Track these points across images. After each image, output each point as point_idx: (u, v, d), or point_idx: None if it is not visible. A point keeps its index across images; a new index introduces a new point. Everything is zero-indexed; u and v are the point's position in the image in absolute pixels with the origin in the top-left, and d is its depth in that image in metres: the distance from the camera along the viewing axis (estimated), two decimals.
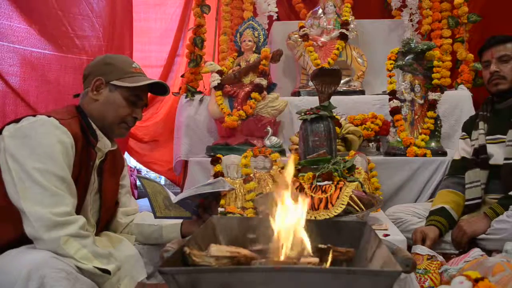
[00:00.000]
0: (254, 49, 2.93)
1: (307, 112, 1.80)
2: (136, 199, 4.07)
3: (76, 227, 1.14)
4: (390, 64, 2.69)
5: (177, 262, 0.80)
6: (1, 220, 1.20)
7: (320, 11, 3.35)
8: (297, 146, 2.21)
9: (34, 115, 1.23)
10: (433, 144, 2.56)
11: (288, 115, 2.99)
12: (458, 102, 2.87)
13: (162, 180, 4.80)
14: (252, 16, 3.12)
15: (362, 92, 3.17)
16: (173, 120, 3.22)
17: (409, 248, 1.70)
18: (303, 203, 0.90)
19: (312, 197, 1.55)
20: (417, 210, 2.02)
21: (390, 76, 2.71)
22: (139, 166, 5.44)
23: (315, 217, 1.48)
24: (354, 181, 1.59)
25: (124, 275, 1.20)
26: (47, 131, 1.19)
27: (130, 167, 5.04)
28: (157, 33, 3.86)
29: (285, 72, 3.51)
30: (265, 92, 2.81)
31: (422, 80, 2.62)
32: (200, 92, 3.13)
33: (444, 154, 2.52)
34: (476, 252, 1.51)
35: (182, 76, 3.27)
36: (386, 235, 1.55)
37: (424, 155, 2.49)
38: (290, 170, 0.97)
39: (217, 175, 2.44)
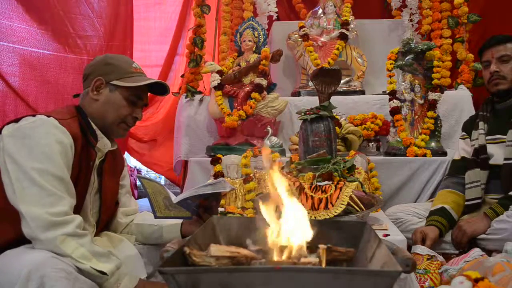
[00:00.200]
0: (254, 49, 2.93)
1: (307, 112, 1.80)
2: (136, 199, 4.07)
3: (73, 227, 1.14)
4: (390, 64, 2.69)
5: (177, 262, 0.80)
6: (0, 220, 1.20)
7: (320, 11, 3.35)
8: (297, 146, 2.21)
9: (34, 115, 1.24)
10: (433, 144, 2.56)
11: (288, 115, 2.99)
12: (458, 102, 2.87)
13: (162, 180, 4.80)
14: (252, 16, 3.12)
15: (362, 92, 3.17)
16: (173, 120, 3.22)
17: (409, 248, 1.70)
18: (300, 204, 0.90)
19: (312, 197, 1.55)
20: (417, 210, 2.02)
21: (390, 76, 2.71)
22: (139, 166, 5.44)
23: (315, 217, 1.48)
24: (354, 181, 1.59)
25: (124, 275, 1.20)
26: (46, 131, 1.19)
27: (130, 167, 5.04)
28: (156, 32, 3.86)
29: (285, 72, 3.51)
30: (265, 92, 2.81)
31: (422, 80, 2.62)
32: (200, 92, 3.13)
33: (444, 154, 2.52)
34: (476, 252, 1.51)
35: (182, 76, 3.27)
36: (386, 235, 1.55)
37: (424, 155, 2.49)
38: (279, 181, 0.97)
39: (217, 175, 2.44)
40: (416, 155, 2.49)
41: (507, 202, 1.73)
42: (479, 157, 1.88)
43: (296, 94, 3.19)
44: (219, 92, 2.84)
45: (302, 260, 0.85)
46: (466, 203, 1.88)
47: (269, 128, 2.73)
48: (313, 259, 0.86)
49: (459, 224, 1.80)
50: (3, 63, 2.50)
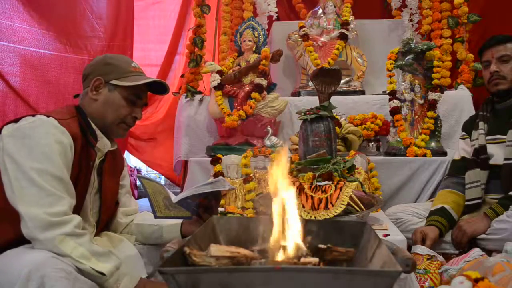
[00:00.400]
0: (254, 49, 2.93)
1: (307, 112, 1.80)
2: (136, 199, 4.07)
3: (71, 226, 1.13)
4: (390, 64, 2.69)
5: (177, 262, 0.80)
6: (0, 220, 1.20)
7: (320, 11, 3.35)
8: (297, 146, 2.21)
9: (33, 115, 1.23)
10: (433, 144, 2.56)
11: (288, 115, 2.99)
12: (458, 102, 2.87)
13: (162, 180, 4.80)
14: (252, 16, 3.12)
15: (362, 92, 3.17)
16: (173, 119, 3.22)
17: (409, 248, 1.70)
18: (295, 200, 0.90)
19: (312, 197, 1.55)
20: (417, 210, 2.02)
21: (390, 76, 2.71)
22: (139, 166, 5.44)
23: (315, 217, 1.48)
24: (354, 181, 1.59)
25: (124, 275, 1.20)
26: (46, 131, 1.19)
27: (130, 167, 5.04)
28: (156, 31, 3.86)
29: (285, 72, 3.51)
30: (265, 92, 2.81)
31: (422, 80, 2.62)
32: (200, 92, 3.13)
33: (444, 154, 2.52)
34: (476, 252, 1.51)
35: (182, 76, 3.27)
36: (386, 235, 1.55)
37: (424, 155, 2.49)
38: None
39: (217, 175, 2.44)
40: (416, 155, 2.49)
41: (507, 202, 1.73)
42: (479, 157, 1.88)
43: (296, 94, 3.19)
44: (219, 92, 2.84)
45: (302, 260, 0.85)
46: (466, 203, 1.88)
47: (269, 128, 2.74)
48: (313, 259, 0.86)
49: (459, 224, 1.80)
50: (4, 63, 2.50)
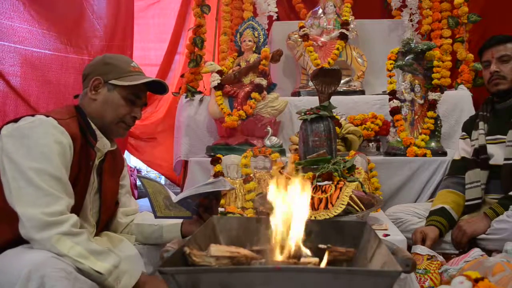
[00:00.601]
0: (254, 49, 2.93)
1: (307, 112, 1.80)
2: (136, 199, 4.07)
3: (67, 226, 1.13)
4: (390, 64, 2.69)
5: (177, 262, 0.80)
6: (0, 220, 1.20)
7: (320, 11, 3.35)
8: (297, 146, 2.21)
9: (33, 115, 1.23)
10: (433, 144, 2.56)
11: (288, 115, 2.99)
12: (458, 102, 2.87)
13: (162, 180, 4.81)
14: (252, 16, 3.12)
15: (362, 92, 3.17)
16: (173, 119, 3.22)
17: (409, 248, 1.70)
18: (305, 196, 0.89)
19: (312, 197, 1.55)
20: (417, 210, 2.02)
21: (390, 76, 2.71)
22: (139, 166, 5.44)
23: (315, 217, 1.48)
24: (354, 181, 1.59)
25: (124, 272, 1.19)
26: (45, 131, 1.19)
27: (130, 167, 5.04)
28: (156, 30, 3.86)
29: (285, 72, 3.51)
30: (265, 92, 2.81)
31: (422, 80, 2.62)
32: (200, 92, 3.13)
33: (444, 154, 2.52)
34: (476, 252, 1.51)
35: (182, 76, 3.28)
36: (386, 235, 1.55)
37: (424, 155, 2.49)
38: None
39: (217, 175, 2.44)
40: (416, 155, 2.49)
41: (507, 202, 1.73)
42: (479, 157, 1.88)
43: (296, 94, 3.19)
44: (219, 92, 2.84)
45: (302, 260, 0.85)
46: (466, 203, 1.88)
47: (269, 128, 2.74)
48: (313, 259, 0.86)
49: (459, 224, 1.80)
50: (4, 63, 2.49)
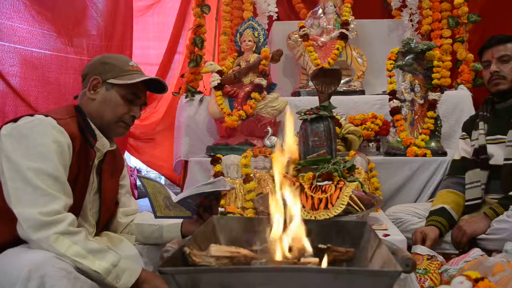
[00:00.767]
0: (254, 49, 2.93)
1: (307, 112, 1.80)
2: (136, 199, 4.08)
3: (64, 225, 1.13)
4: (390, 64, 2.69)
5: (177, 262, 0.80)
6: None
7: (320, 11, 3.35)
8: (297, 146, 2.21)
9: (32, 115, 1.23)
10: (433, 144, 2.56)
11: None
12: (458, 102, 2.87)
13: (162, 180, 4.81)
14: (252, 16, 3.12)
15: (362, 92, 3.17)
16: (172, 119, 3.22)
17: (409, 248, 1.70)
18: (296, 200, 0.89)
19: (312, 197, 1.55)
20: (417, 210, 2.02)
21: (390, 76, 2.71)
22: (139, 166, 5.44)
23: (315, 217, 1.48)
24: (354, 181, 1.59)
25: (123, 270, 1.19)
26: (44, 131, 1.19)
27: (130, 167, 5.04)
28: (155, 28, 3.86)
29: (285, 72, 3.51)
30: (265, 92, 2.81)
31: (422, 80, 2.62)
32: (200, 92, 3.13)
33: (444, 154, 2.52)
34: (476, 252, 1.51)
35: (182, 76, 3.28)
36: (386, 235, 1.55)
37: (424, 155, 2.49)
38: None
39: (217, 175, 2.44)
40: (416, 155, 2.49)
41: (507, 202, 1.73)
42: (479, 157, 1.88)
43: (296, 94, 3.19)
44: (219, 92, 2.84)
45: (302, 260, 0.85)
46: (466, 203, 1.88)
47: (269, 128, 2.74)
48: (313, 259, 0.86)
49: (459, 224, 1.80)
50: (4, 63, 2.50)
